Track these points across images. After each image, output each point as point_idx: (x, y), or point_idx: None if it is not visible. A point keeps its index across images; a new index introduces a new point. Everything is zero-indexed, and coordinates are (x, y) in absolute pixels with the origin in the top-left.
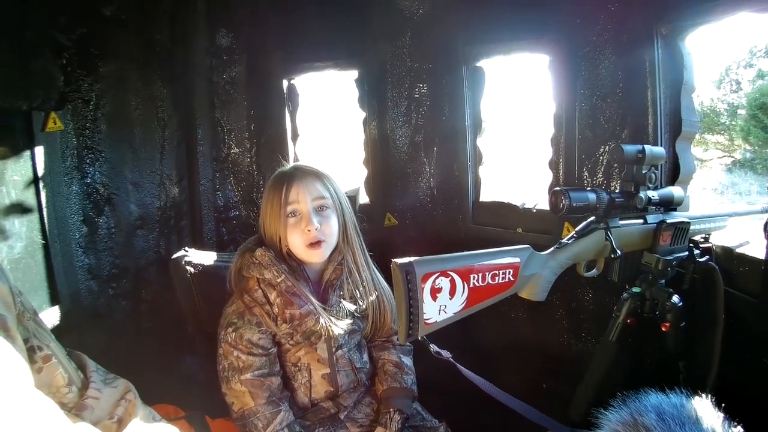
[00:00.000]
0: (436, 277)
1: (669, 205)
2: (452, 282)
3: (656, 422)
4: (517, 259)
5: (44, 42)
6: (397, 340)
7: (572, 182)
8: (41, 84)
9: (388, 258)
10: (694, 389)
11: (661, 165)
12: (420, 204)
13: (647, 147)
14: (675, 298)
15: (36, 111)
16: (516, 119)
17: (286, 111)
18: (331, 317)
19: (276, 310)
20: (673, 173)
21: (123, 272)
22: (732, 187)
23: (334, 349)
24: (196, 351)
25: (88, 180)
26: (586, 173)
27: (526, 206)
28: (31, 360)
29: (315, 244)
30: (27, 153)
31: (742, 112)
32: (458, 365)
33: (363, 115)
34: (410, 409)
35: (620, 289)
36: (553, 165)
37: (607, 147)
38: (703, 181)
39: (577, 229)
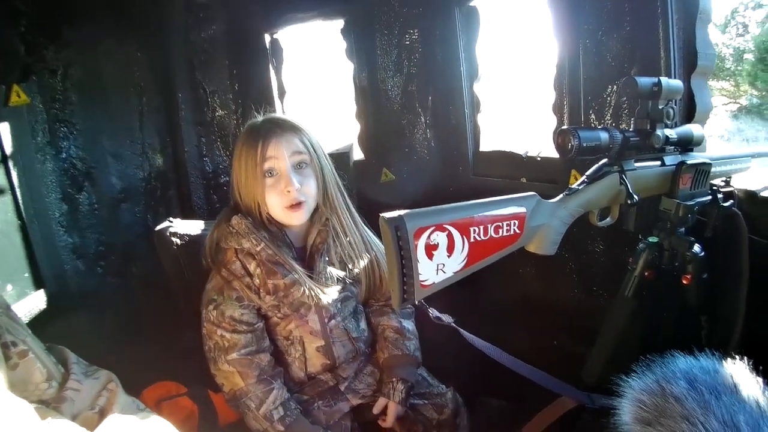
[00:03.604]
0: (431, 232)
1: (688, 144)
2: (450, 237)
3: (687, 391)
4: (522, 209)
5: None
6: None
7: (577, 125)
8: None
9: None
10: (719, 346)
11: (678, 101)
12: (417, 157)
13: (663, 79)
14: (696, 248)
15: None
16: (515, 62)
17: (271, 68)
18: (319, 285)
19: (257, 281)
20: (689, 111)
21: (110, 249)
22: (738, 133)
23: (326, 320)
24: (193, 325)
25: (64, 155)
26: (593, 116)
27: (529, 154)
28: (6, 357)
29: (295, 205)
30: None
31: (748, 56)
32: (461, 330)
33: (352, 66)
34: (414, 377)
35: (633, 239)
36: (557, 108)
37: (614, 87)
38: (708, 128)
39: (587, 173)
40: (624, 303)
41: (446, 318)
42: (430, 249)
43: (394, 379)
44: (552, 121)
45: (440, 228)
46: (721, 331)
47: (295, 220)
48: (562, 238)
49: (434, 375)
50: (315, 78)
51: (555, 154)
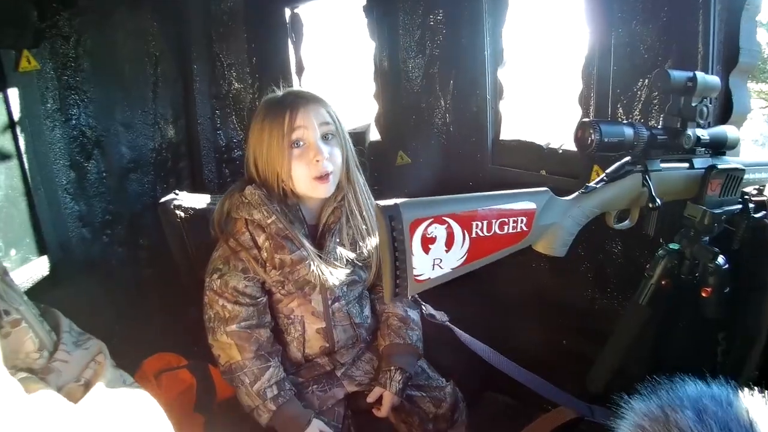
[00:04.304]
0: (429, 224)
1: (720, 147)
2: (449, 230)
3: (694, 423)
4: (532, 205)
5: None
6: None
7: (603, 118)
8: (11, 20)
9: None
10: (735, 365)
11: (713, 99)
12: (435, 141)
13: (699, 74)
14: (720, 259)
15: (5, 49)
16: (543, 49)
17: (290, 42)
18: (327, 265)
19: (265, 254)
20: (724, 112)
21: (117, 218)
22: None
23: (330, 302)
24: (197, 300)
25: (73, 122)
26: (620, 110)
27: (551, 146)
28: None
29: (324, 177)
30: None
31: None
32: (457, 330)
33: (373, 45)
34: (413, 368)
35: (654, 242)
36: (583, 100)
37: (646, 81)
38: (743, 131)
39: (608, 171)
40: (637, 311)
41: (441, 316)
42: (427, 242)
43: (392, 368)
44: (577, 113)
45: (439, 220)
46: (739, 350)
47: (322, 192)
48: (573, 239)
49: (438, 368)
50: (335, 55)
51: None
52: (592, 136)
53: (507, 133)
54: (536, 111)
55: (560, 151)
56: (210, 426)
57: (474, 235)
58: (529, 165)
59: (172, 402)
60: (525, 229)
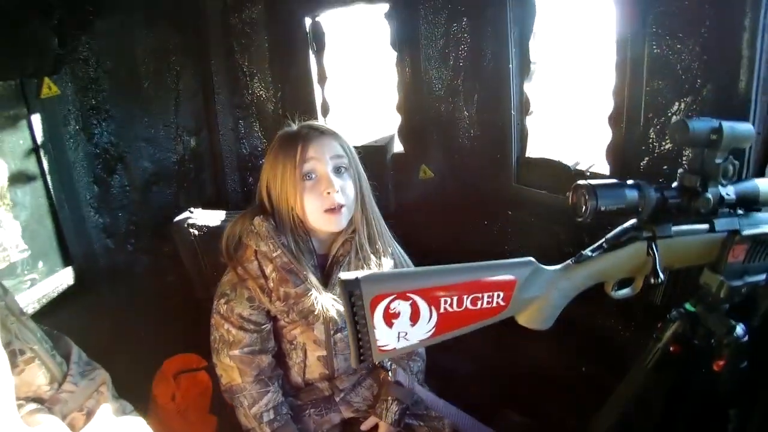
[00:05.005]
0: (391, 301)
1: (751, 204)
2: (414, 306)
3: None
4: (511, 277)
5: (32, 4)
6: None
7: (636, 143)
8: (32, 49)
9: (423, 214)
10: None
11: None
12: (458, 156)
13: (726, 124)
14: (739, 330)
15: (27, 78)
16: (573, 61)
17: (311, 52)
18: (331, 299)
19: (271, 284)
20: (764, 156)
21: (141, 229)
22: None
23: (332, 332)
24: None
25: (96, 141)
26: (652, 134)
27: (579, 167)
28: (13, 364)
29: (335, 209)
30: (23, 122)
31: None
32: (422, 391)
33: (395, 54)
34: (410, 399)
35: (687, 279)
36: (614, 121)
37: (681, 104)
38: None
39: (608, 236)
40: (641, 375)
41: (408, 382)
42: (390, 317)
43: (389, 398)
44: (609, 132)
45: (402, 296)
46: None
47: (334, 225)
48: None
49: (444, 395)
50: (358, 64)
51: (608, 170)
52: (587, 203)
53: (534, 150)
54: (566, 128)
55: (588, 174)
56: (223, 427)
57: (442, 310)
58: (555, 186)
59: (189, 402)
60: (502, 303)
